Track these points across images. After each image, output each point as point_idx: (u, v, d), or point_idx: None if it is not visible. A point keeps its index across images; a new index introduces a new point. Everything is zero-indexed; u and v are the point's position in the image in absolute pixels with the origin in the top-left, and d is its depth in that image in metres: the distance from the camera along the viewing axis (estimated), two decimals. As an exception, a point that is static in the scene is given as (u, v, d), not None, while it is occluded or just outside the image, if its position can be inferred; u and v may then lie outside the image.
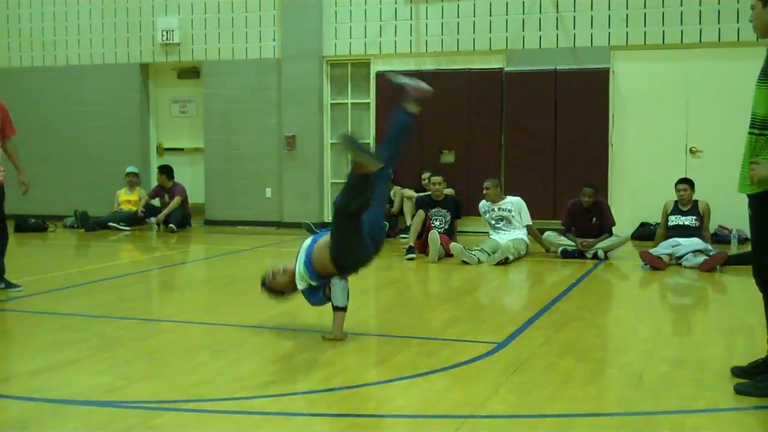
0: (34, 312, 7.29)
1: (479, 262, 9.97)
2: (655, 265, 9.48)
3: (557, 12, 12.62)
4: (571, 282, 8.77)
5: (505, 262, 9.85)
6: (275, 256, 11.27)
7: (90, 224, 13.54)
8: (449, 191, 11.61)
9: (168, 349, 6.01)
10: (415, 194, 12.18)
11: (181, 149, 15.07)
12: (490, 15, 12.95)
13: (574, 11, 12.62)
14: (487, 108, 12.91)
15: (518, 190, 11.22)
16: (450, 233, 10.76)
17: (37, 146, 14.52)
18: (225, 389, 4.96)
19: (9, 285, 7.91)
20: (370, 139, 13.54)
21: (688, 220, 10.19)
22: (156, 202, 14.06)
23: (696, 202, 10.33)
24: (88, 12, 15.04)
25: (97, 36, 15.01)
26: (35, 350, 6.02)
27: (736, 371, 5.08)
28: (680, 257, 9.71)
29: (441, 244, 10.17)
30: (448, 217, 10.89)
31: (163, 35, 14.48)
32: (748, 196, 4.72)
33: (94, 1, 15.00)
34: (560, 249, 10.43)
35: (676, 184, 10.47)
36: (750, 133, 4.66)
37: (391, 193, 12.85)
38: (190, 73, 14.93)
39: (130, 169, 14.26)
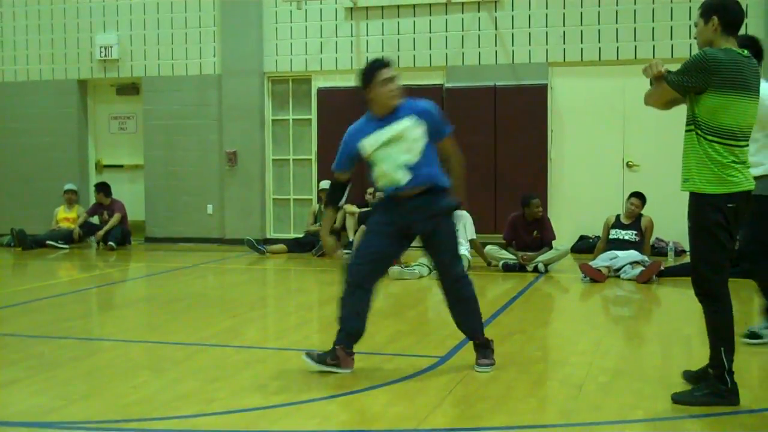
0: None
1: (420, 276, 10.01)
2: (594, 277, 9.62)
3: (496, 29, 12.79)
4: (513, 295, 8.86)
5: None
6: (217, 273, 11.20)
7: (27, 242, 13.30)
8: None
9: (108, 369, 5.92)
10: (358, 210, 12.20)
11: (121, 166, 14.90)
12: (430, 32, 13.07)
13: (513, 28, 12.79)
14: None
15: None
16: (392, 248, 10.78)
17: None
18: (167, 408, 4.91)
19: None
20: (312, 155, 13.54)
21: (628, 235, 10.34)
22: (95, 219, 13.88)
23: (639, 216, 10.48)
24: (24, 27, 14.83)
25: (34, 52, 14.80)
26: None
27: (687, 376, 5.21)
28: (618, 269, 9.87)
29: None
30: (391, 232, 10.91)
31: (101, 51, 14.33)
32: (689, 205, 4.83)
33: (31, 17, 14.79)
34: (501, 263, 10.53)
35: (629, 197, 10.60)
36: (733, 146, 4.72)
37: (334, 208, 12.84)
38: (130, 89, 14.79)
39: (69, 186, 14.05)
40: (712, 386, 4.81)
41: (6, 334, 7.05)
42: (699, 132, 4.72)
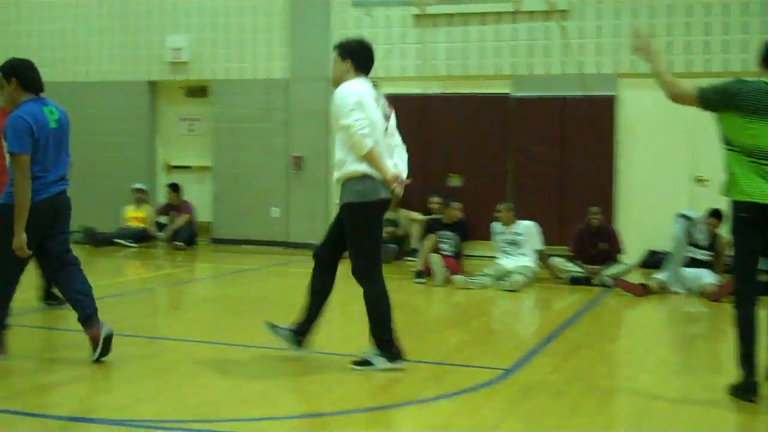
0: (42, 328, 7.29)
1: (484, 286, 9.96)
2: (633, 291, 9.53)
3: (564, 39, 12.67)
4: (579, 309, 8.76)
5: (512, 289, 9.84)
6: (282, 276, 11.27)
7: (97, 240, 13.55)
8: (460, 215, 11.59)
9: (175, 368, 5.99)
10: (422, 217, 12.18)
11: (189, 167, 15.08)
12: (498, 40, 13.00)
13: (581, 39, 12.66)
14: (494, 133, 12.93)
15: (524, 216, 11.21)
16: (457, 256, 10.76)
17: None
18: (233, 410, 4.95)
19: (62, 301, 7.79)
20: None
21: (704, 255, 10.08)
22: (164, 219, 14.06)
23: (716, 237, 10.22)
24: (98, 29, 15.09)
25: (106, 53, 15.06)
26: (42, 367, 6.02)
27: None
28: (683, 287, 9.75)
29: (448, 267, 10.18)
30: (456, 240, 10.90)
31: (171, 53, 14.53)
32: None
33: (104, 19, 15.05)
34: (568, 275, 10.42)
35: (707, 216, 10.32)
36: (754, 162, 4.83)
37: (398, 215, 12.86)
38: (199, 91, 14.96)
39: (137, 185, 14.27)
40: None
41: (75, 330, 7.16)
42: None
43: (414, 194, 12.90)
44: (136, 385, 5.56)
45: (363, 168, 5.71)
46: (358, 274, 5.93)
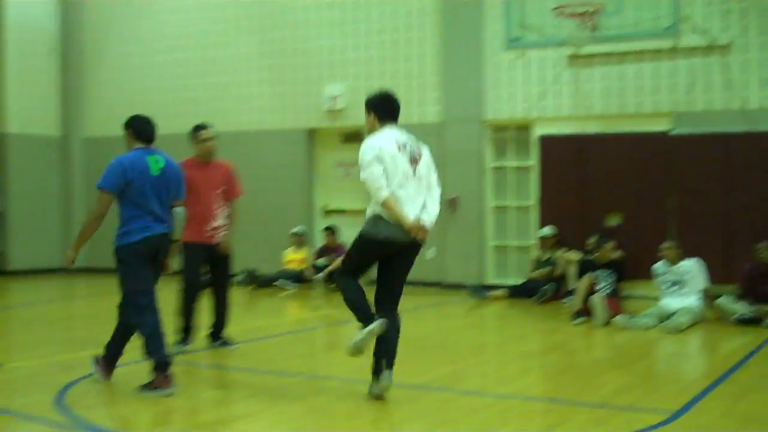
0: (206, 366, 7.54)
1: (647, 327, 9.66)
2: None
3: (726, 73, 12.27)
4: (749, 351, 8.36)
5: (677, 330, 9.51)
6: (437, 317, 11.29)
7: (259, 282, 14.01)
8: (617, 254, 11.33)
9: (333, 407, 6.08)
10: (579, 256, 11.97)
11: (344, 210, 15.38)
12: (656, 78, 12.72)
13: (744, 73, 12.23)
14: (654, 170, 12.62)
15: (688, 254, 10.85)
16: (615, 296, 10.50)
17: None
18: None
19: (226, 342, 8.23)
20: (533, 201, 13.45)
21: None
22: (321, 261, 14.37)
23: None
24: (258, 80, 15.70)
25: (266, 103, 15.63)
26: (207, 404, 6.22)
27: None
28: None
29: (608, 307, 9.94)
30: (612, 279, 10.64)
31: (328, 102, 14.93)
32: None
33: (263, 71, 15.63)
34: (735, 316, 9.98)
35: None
36: None
37: (555, 255, 12.69)
38: (354, 137, 15.28)
39: (296, 229, 14.66)
40: None
41: (242, 369, 7.40)
42: None
43: (571, 233, 12.75)
44: (298, 422, 5.69)
45: (378, 210, 6.26)
46: (337, 276, 6.75)
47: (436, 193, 6.51)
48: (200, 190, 7.97)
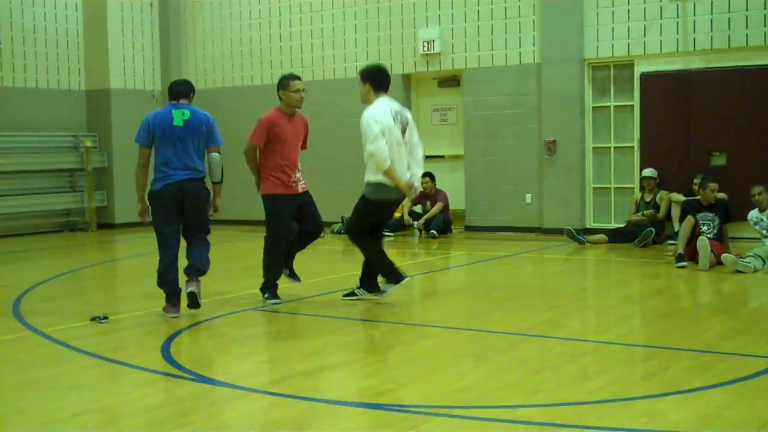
0: (307, 315, 7.64)
1: (755, 270, 9.36)
2: None
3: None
4: None
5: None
6: (536, 263, 11.18)
7: (356, 231, 14.02)
8: (721, 195, 10.96)
9: (434, 355, 6.09)
10: (683, 198, 11.64)
11: (442, 156, 15.29)
12: (765, 8, 12.15)
13: None
14: (762, 107, 12.13)
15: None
16: (719, 239, 10.18)
17: (304, 156, 15.22)
18: (492, 396, 4.96)
19: (293, 276, 8.42)
20: (634, 142, 13.11)
21: None
22: (418, 208, 14.35)
23: None
24: (353, 27, 15.63)
25: (362, 49, 15.56)
26: (309, 352, 6.31)
27: None
28: None
29: (712, 250, 9.65)
30: (717, 222, 10.30)
31: (424, 46, 14.78)
32: None
33: (357, 17, 15.57)
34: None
35: None
36: None
37: (657, 197, 12.38)
38: (450, 81, 15.13)
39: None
40: None
41: (339, 317, 7.48)
42: None
43: (675, 174, 12.40)
44: (397, 371, 5.71)
45: (380, 178, 7.56)
46: (350, 233, 8.19)
47: (419, 152, 7.91)
48: (286, 141, 7.97)
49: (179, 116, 7.35)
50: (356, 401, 4.99)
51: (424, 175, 14.45)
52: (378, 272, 8.00)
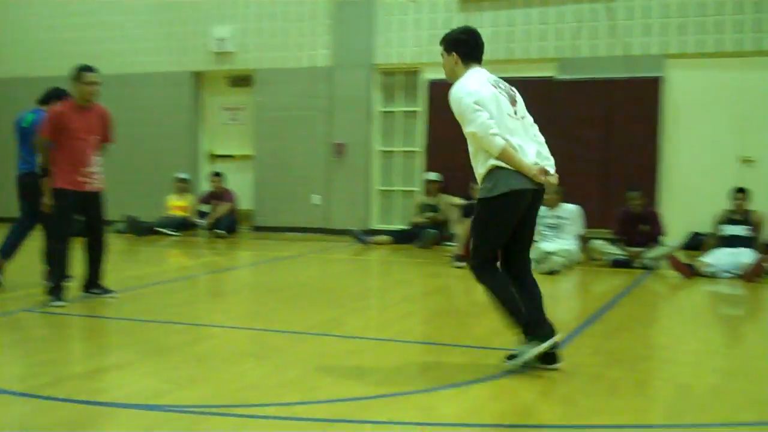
0: (84, 316, 7.38)
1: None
2: (681, 272, 9.47)
3: (611, 20, 12.50)
4: (620, 291, 8.68)
5: (552, 272, 9.77)
6: (322, 263, 11.31)
7: (139, 229, 13.71)
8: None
9: (215, 355, 6.04)
10: (462, 202, 12.14)
11: (231, 156, 15.19)
12: (543, 23, 12.87)
13: (628, 20, 12.49)
14: (538, 116, 12.74)
15: (568, 199, 11.13)
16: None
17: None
18: (271, 394, 4.98)
19: (105, 291, 8.02)
20: (420, 147, 13.52)
21: (740, 230, 10.05)
22: (206, 208, 14.19)
23: (750, 211, 10.18)
24: (144, 21, 15.25)
25: (152, 44, 15.21)
26: (85, 354, 6.11)
27: None
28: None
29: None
30: (496, 225, 10.79)
31: (216, 44, 14.63)
32: None
33: (150, 11, 15.20)
34: (609, 258, 10.33)
35: (733, 193, 10.32)
36: None
37: (439, 201, 12.83)
38: (242, 81, 15.06)
39: (180, 175, 14.42)
40: None
41: (118, 318, 7.27)
42: None
43: (455, 179, 12.89)
44: (176, 372, 5.61)
45: (495, 163, 5.29)
46: (474, 267, 5.56)
47: (537, 132, 5.66)
48: (76, 135, 7.65)
49: (28, 118, 8.29)
50: (133, 403, 4.88)
51: (214, 173, 14.34)
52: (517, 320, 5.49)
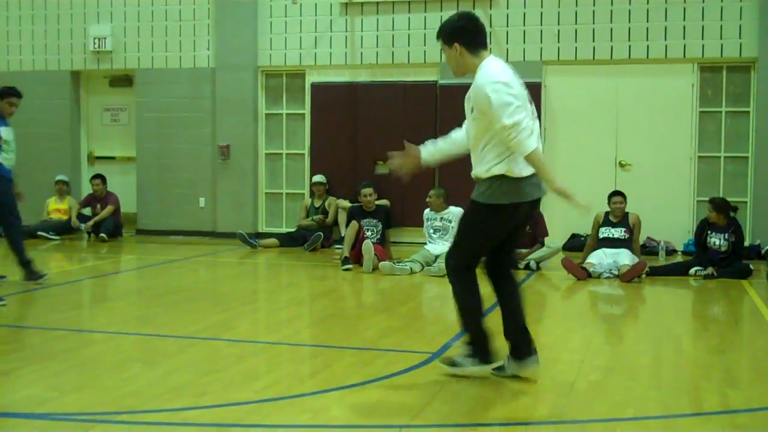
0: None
1: (411, 272, 10.03)
2: (575, 274, 9.73)
3: (490, 27, 12.77)
4: (504, 293, 8.87)
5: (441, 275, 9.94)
6: (209, 266, 11.20)
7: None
8: (383, 202, 11.66)
9: (99, 361, 5.93)
10: (349, 204, 12.20)
11: (113, 158, 14.87)
12: (425, 28, 13.05)
13: (507, 26, 12.80)
14: (422, 120, 13.01)
15: (454, 201, 11.32)
16: (382, 243, 10.81)
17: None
18: (158, 400, 4.92)
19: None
20: (305, 149, 13.54)
21: (618, 233, 10.41)
22: (87, 211, 13.84)
23: (627, 214, 10.56)
24: (18, 18, 14.79)
25: (27, 42, 14.75)
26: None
27: None
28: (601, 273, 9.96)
29: (375, 254, 10.22)
30: (380, 227, 10.95)
31: (95, 43, 14.29)
32: None
33: (24, 7, 14.74)
34: (493, 260, 10.54)
35: (610, 196, 10.68)
36: None
37: (326, 203, 12.86)
38: (123, 81, 14.76)
39: (60, 177, 14.02)
40: None
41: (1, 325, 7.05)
42: None
43: (342, 182, 12.95)
44: (60, 378, 5.48)
45: (511, 169, 5.00)
46: (452, 270, 5.40)
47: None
48: None
49: None
50: (16, 411, 4.75)
51: (95, 176, 13.98)
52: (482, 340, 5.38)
